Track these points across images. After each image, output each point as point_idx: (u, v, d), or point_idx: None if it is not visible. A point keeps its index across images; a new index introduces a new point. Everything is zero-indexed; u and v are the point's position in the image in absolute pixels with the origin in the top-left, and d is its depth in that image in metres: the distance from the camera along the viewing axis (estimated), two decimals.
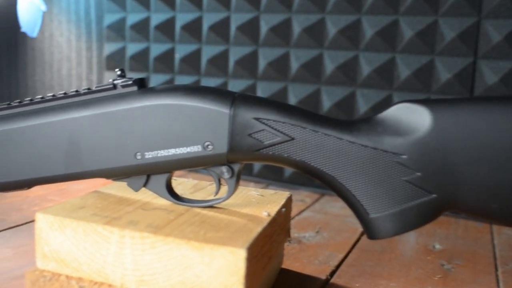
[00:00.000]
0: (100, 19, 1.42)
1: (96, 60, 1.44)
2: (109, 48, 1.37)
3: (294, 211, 0.91)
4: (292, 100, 1.13)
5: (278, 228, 0.56)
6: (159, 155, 0.51)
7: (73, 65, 1.49)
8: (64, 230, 0.48)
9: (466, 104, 0.49)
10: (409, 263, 0.73)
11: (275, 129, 0.49)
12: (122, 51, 1.35)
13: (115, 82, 0.53)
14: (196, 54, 1.25)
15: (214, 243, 0.44)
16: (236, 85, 1.19)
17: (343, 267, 0.70)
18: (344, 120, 0.51)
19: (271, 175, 1.18)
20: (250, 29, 1.17)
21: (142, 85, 0.53)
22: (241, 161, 0.52)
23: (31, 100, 0.55)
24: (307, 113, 0.51)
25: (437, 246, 0.81)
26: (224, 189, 0.55)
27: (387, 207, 0.49)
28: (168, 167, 0.52)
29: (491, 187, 0.47)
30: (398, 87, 1.04)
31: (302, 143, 0.49)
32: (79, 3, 1.45)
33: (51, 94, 0.55)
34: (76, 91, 0.54)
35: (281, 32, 1.14)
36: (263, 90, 1.17)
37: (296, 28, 1.12)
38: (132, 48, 1.34)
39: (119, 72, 0.53)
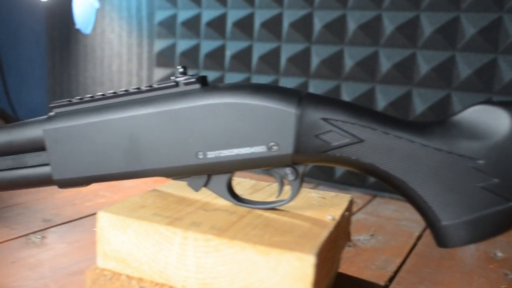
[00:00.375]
0: (151, 15, 1.42)
1: (147, 56, 1.45)
2: (160, 44, 1.38)
3: None
4: (346, 99, 1.10)
5: (341, 232, 0.54)
6: (221, 155, 0.50)
7: (123, 61, 1.50)
8: (126, 230, 0.48)
9: None
10: (471, 271, 0.71)
11: (344, 130, 0.47)
12: (172, 47, 1.36)
13: (177, 79, 0.52)
14: (247, 51, 1.24)
15: (281, 248, 0.42)
16: (287, 83, 1.17)
17: (401, 273, 0.69)
18: (416, 122, 0.49)
19: (322, 175, 1.15)
20: (303, 26, 1.15)
21: (204, 83, 0.52)
22: (306, 162, 0.50)
23: (91, 97, 0.54)
24: (377, 114, 0.49)
25: (499, 254, 0.78)
26: (285, 190, 0.54)
27: (461, 215, 0.46)
28: (231, 168, 0.51)
29: None
30: (458, 87, 1.00)
31: (372, 146, 0.47)
32: (130, 0, 1.46)
33: (112, 91, 0.54)
34: (138, 88, 0.53)
35: (335, 29, 1.11)
36: (315, 88, 1.14)
37: (351, 25, 1.09)
38: (183, 44, 1.34)
39: (181, 70, 0.52)
